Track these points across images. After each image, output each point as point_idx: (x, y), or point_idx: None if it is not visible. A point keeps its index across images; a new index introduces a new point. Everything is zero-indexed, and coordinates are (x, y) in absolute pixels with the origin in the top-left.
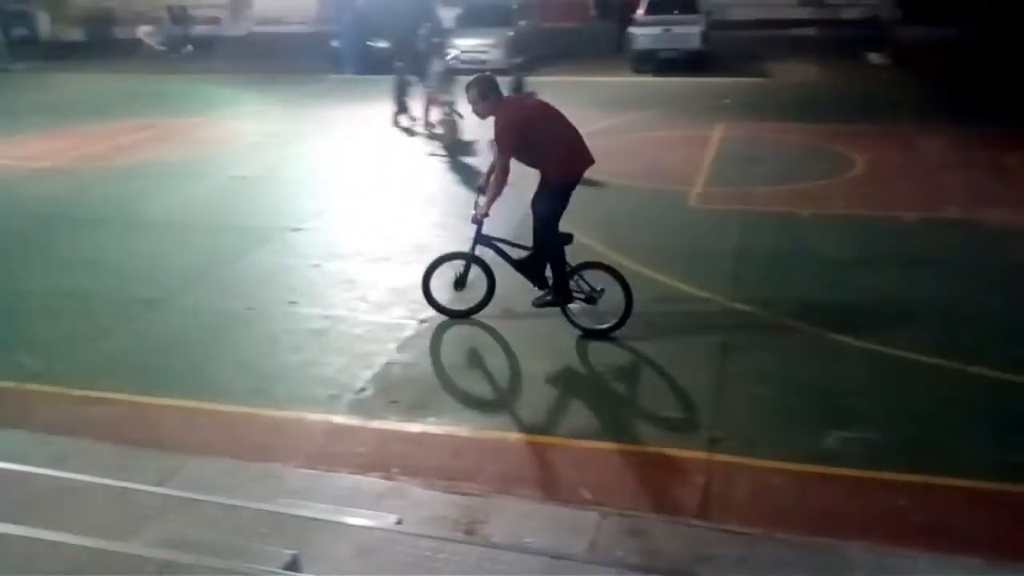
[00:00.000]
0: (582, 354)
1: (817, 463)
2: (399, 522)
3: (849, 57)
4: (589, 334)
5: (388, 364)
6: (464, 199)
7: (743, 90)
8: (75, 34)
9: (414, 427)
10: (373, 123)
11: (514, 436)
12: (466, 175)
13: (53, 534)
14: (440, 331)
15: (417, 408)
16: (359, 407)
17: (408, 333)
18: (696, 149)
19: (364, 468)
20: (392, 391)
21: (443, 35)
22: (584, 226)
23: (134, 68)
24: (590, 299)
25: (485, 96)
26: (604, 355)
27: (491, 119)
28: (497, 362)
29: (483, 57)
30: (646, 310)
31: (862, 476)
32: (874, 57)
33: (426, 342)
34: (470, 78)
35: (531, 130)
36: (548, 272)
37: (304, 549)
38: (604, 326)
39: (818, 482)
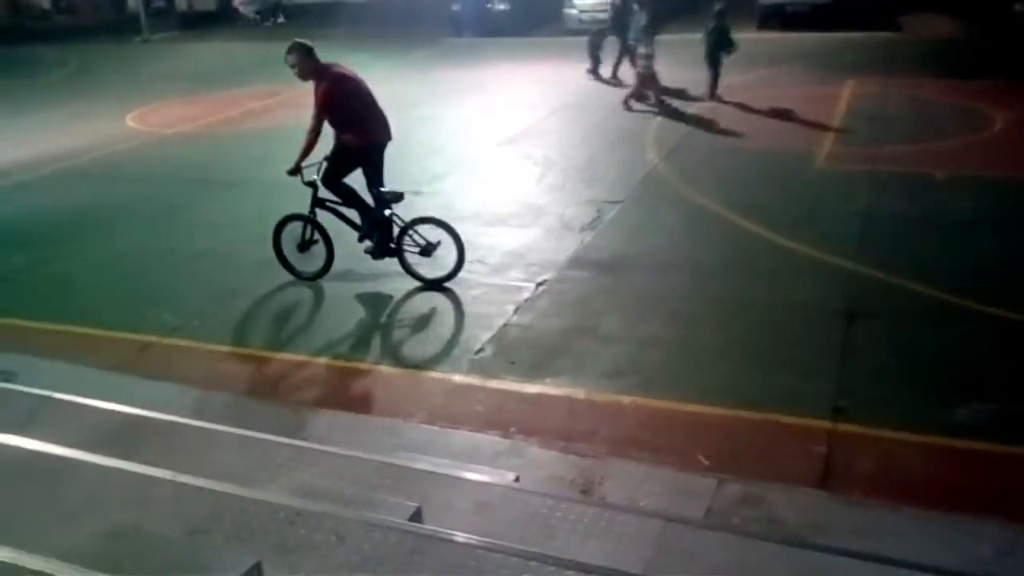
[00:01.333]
0: (693, 318)
1: (945, 435)
2: (516, 479)
3: (991, 7)
4: (427, 284)
5: (505, 326)
6: (583, 161)
7: (875, 44)
8: (208, 4)
9: (531, 388)
10: (495, 86)
11: (629, 399)
12: (589, 136)
13: (195, 479)
14: (557, 294)
15: (534, 369)
16: (477, 367)
17: (525, 295)
18: (825, 106)
19: (482, 426)
20: (509, 352)
21: None
22: (704, 187)
23: (260, 36)
24: (425, 252)
25: (305, 59)
26: (725, 320)
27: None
28: (613, 325)
29: (603, 16)
30: (768, 274)
31: (992, 450)
32: (1019, 7)
33: (543, 304)
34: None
35: (350, 95)
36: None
37: (425, 502)
38: (437, 277)
39: (946, 455)
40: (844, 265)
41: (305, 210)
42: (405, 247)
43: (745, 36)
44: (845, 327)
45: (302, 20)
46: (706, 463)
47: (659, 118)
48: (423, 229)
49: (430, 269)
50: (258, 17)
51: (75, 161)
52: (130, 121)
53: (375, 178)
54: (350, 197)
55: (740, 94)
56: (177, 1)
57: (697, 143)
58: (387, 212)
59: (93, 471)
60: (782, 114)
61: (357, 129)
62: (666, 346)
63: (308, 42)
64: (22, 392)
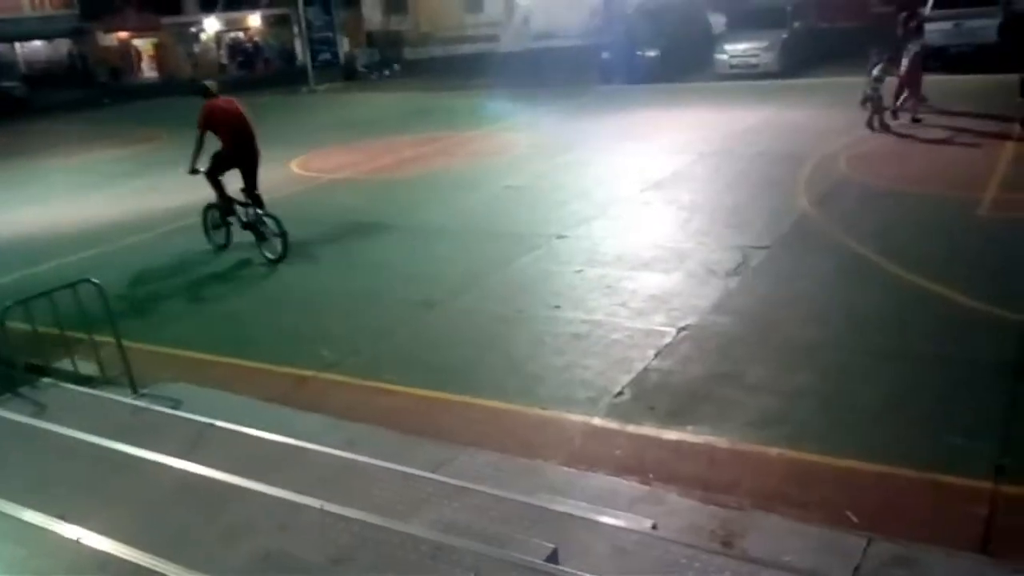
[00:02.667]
0: (844, 369)
1: None
2: (654, 527)
3: None
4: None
5: (646, 370)
6: (730, 206)
7: None
8: (372, 56)
9: (671, 434)
10: (642, 132)
11: (776, 450)
12: (736, 182)
13: (342, 508)
14: (700, 340)
15: (674, 415)
16: (617, 411)
17: (667, 340)
18: (989, 151)
19: (621, 471)
20: (649, 397)
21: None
22: (859, 233)
23: (418, 86)
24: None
25: (204, 93)
26: (880, 372)
27: None
28: (759, 374)
29: (754, 61)
30: (926, 325)
31: None
32: None
33: (685, 350)
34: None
35: (213, 118)
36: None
37: (562, 544)
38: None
39: None
40: (1009, 317)
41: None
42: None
43: None
44: (1011, 383)
45: (422, 71)
46: (855, 520)
47: (811, 163)
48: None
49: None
50: (366, 70)
51: None
52: (294, 167)
53: (246, 178)
54: (218, 187)
55: (894, 140)
56: (341, 53)
57: (850, 188)
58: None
59: (250, 496)
60: (942, 157)
61: (224, 140)
62: (816, 397)
63: (208, 83)
64: (188, 419)
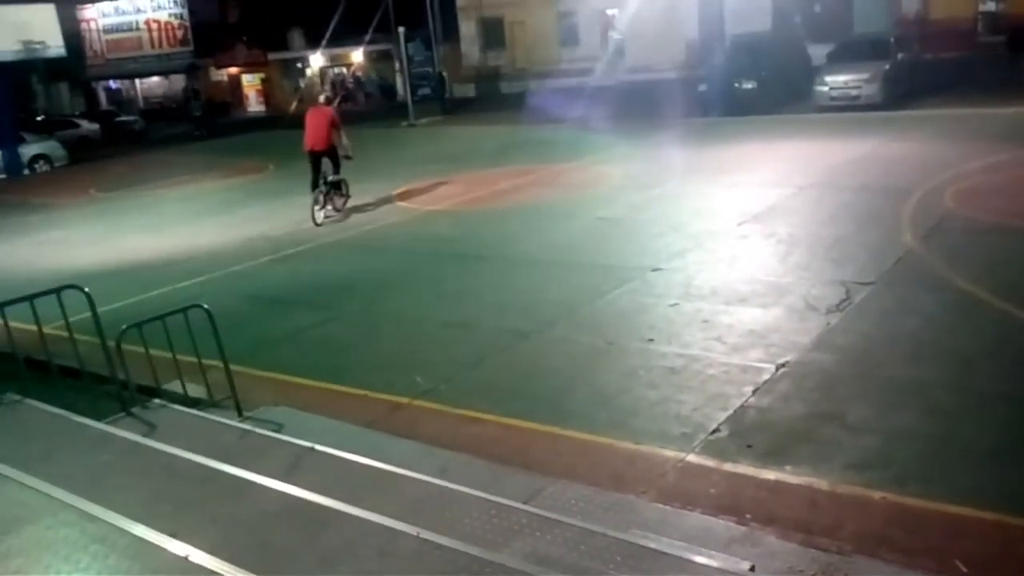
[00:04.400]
0: (953, 412)
1: None
2: (752, 569)
3: None
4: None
5: (743, 407)
6: (831, 240)
7: None
8: (468, 91)
9: (769, 474)
10: (740, 164)
11: (879, 494)
12: (837, 215)
13: (437, 536)
14: (799, 377)
15: (772, 454)
16: (712, 448)
17: (765, 377)
18: None
19: (716, 510)
20: (747, 435)
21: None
22: (968, 271)
23: (515, 119)
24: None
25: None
26: (991, 417)
27: None
28: (861, 414)
29: (855, 93)
30: None
31: None
32: None
33: (784, 387)
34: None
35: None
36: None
37: None
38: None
39: None
40: None
41: None
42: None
43: (1011, 111)
44: None
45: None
46: (964, 570)
47: (915, 197)
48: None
49: None
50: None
51: (344, 235)
52: (394, 198)
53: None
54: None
55: (1003, 173)
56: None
57: (958, 223)
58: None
59: (347, 520)
60: None
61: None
62: (922, 440)
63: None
64: (289, 442)
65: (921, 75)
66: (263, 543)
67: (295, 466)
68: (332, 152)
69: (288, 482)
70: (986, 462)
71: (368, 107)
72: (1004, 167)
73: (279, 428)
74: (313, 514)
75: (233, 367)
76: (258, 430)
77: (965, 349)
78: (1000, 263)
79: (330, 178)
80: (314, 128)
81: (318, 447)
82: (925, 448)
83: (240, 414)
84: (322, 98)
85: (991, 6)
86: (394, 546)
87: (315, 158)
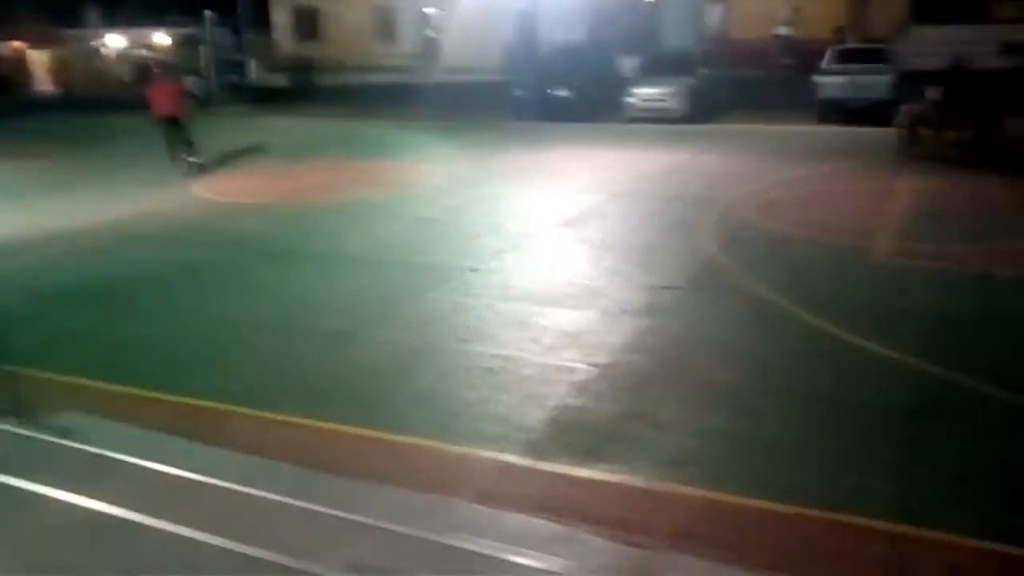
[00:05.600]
0: (755, 410)
1: (1016, 544)
2: (567, 567)
3: None
4: None
5: (559, 407)
6: (641, 246)
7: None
8: (280, 80)
9: (584, 472)
10: (554, 169)
11: (690, 490)
12: (647, 223)
13: (245, 547)
14: (612, 378)
15: (588, 453)
16: (529, 448)
17: (579, 377)
18: (885, 202)
19: (533, 509)
20: (563, 434)
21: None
22: (764, 277)
23: (329, 113)
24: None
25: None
26: (789, 414)
27: None
28: (671, 413)
29: (661, 106)
30: (832, 367)
31: None
32: None
33: (598, 387)
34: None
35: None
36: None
37: None
38: None
39: (1014, 564)
40: (908, 361)
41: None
42: None
43: (805, 129)
44: (912, 425)
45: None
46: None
47: (719, 207)
48: None
49: None
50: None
51: (142, 228)
52: (198, 190)
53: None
54: None
55: (799, 187)
56: (250, 76)
57: (756, 234)
58: None
59: (146, 532)
60: (838, 208)
61: None
62: (728, 438)
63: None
64: (77, 449)
65: (722, 91)
66: (48, 561)
67: (86, 475)
68: (183, 116)
69: (78, 493)
70: (788, 459)
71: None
72: (800, 181)
73: (66, 434)
74: (108, 527)
75: (14, 369)
76: (42, 436)
77: (761, 350)
78: (796, 271)
79: (190, 138)
80: (166, 96)
81: (110, 454)
82: (732, 446)
83: (20, 419)
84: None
85: (784, 30)
86: (199, 559)
87: (170, 123)
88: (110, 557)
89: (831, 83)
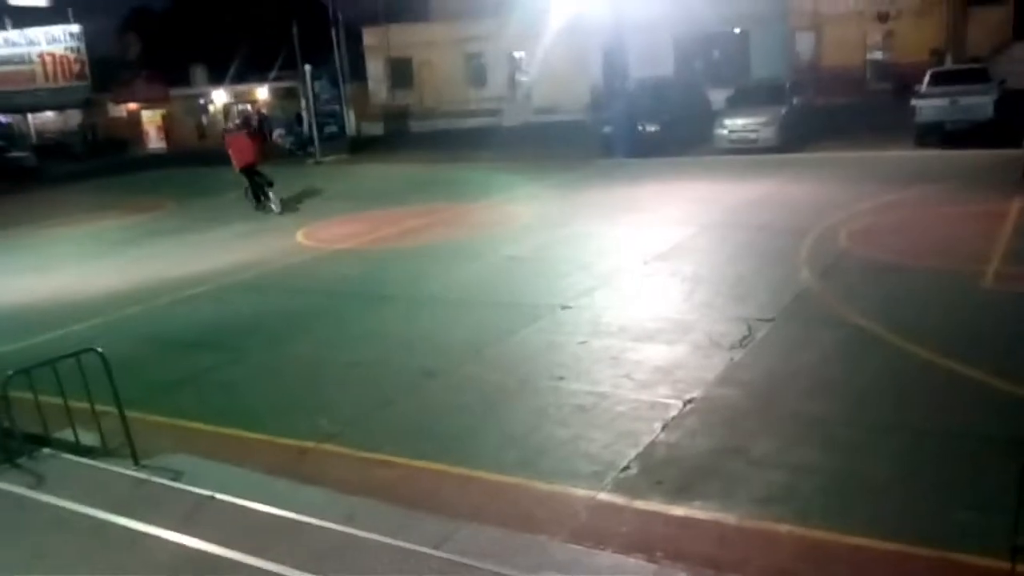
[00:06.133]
0: (852, 445)
1: None
2: None
3: None
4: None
5: (653, 443)
6: (733, 278)
7: None
8: (376, 129)
9: (678, 510)
10: (644, 204)
11: (785, 528)
12: (739, 254)
13: None
14: (705, 413)
15: (682, 490)
16: (623, 485)
17: (673, 413)
18: (990, 225)
19: (627, 548)
20: (657, 471)
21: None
22: (862, 307)
23: (423, 158)
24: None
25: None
26: (888, 448)
27: None
28: (765, 448)
29: (753, 136)
30: (934, 399)
31: None
32: None
33: (691, 423)
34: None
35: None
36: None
37: None
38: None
39: None
40: (1019, 392)
41: None
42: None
43: (902, 154)
44: (1018, 457)
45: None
46: None
47: (812, 236)
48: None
49: None
50: (293, 148)
51: (246, 274)
52: (299, 237)
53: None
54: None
55: (897, 213)
56: (348, 126)
57: (853, 262)
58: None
59: (248, 572)
60: (940, 233)
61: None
62: (824, 473)
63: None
64: (187, 491)
65: (815, 119)
66: None
67: (193, 516)
68: (258, 163)
69: (186, 533)
70: (884, 494)
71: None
72: (895, 207)
73: (177, 476)
74: (213, 566)
75: (129, 413)
76: (155, 478)
77: (860, 382)
78: (892, 300)
79: (270, 180)
80: (241, 148)
81: (218, 495)
82: (826, 481)
83: (136, 462)
84: (230, 125)
85: (879, 55)
86: None
87: (250, 172)
88: None
89: (931, 106)
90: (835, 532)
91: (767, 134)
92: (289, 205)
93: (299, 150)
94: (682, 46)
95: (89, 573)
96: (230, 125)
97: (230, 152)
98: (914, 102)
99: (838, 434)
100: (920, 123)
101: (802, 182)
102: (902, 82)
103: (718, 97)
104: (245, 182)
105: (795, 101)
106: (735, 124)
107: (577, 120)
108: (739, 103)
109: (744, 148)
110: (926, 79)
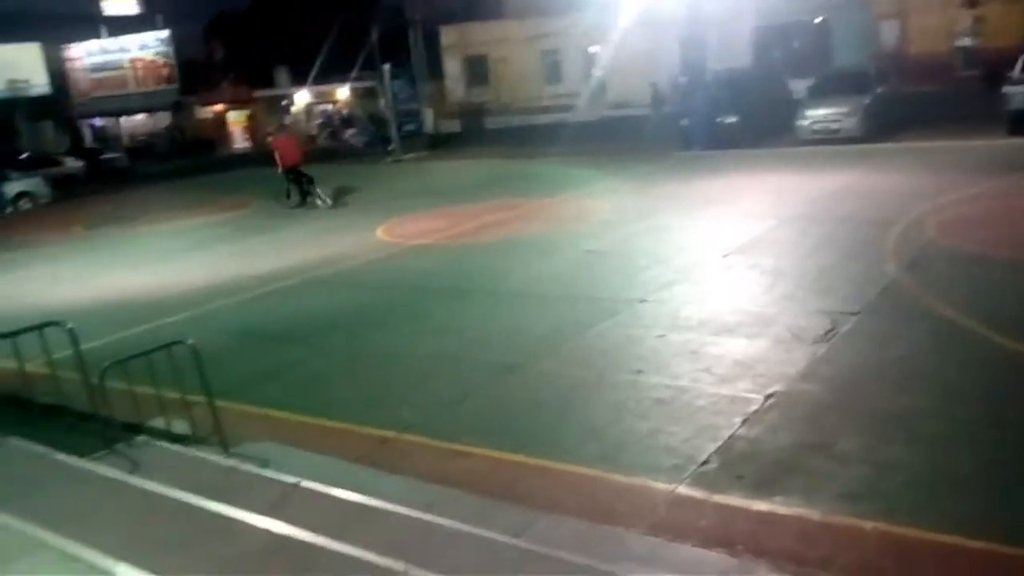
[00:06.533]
0: (941, 441)
1: None
2: None
3: None
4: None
5: (733, 438)
6: (815, 271)
7: None
8: (453, 126)
9: (760, 505)
10: (723, 197)
11: (871, 525)
12: (821, 246)
13: (425, 572)
14: (787, 408)
15: (763, 485)
16: (703, 479)
17: (754, 408)
18: None
19: (707, 542)
20: (737, 466)
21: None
22: (952, 300)
23: (499, 154)
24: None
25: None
26: (979, 445)
27: None
28: (850, 444)
29: (835, 126)
30: None
31: None
32: None
33: (773, 418)
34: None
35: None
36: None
37: None
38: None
39: None
40: None
41: None
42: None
43: (992, 143)
44: None
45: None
46: None
47: (898, 228)
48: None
49: None
50: (366, 147)
51: (328, 270)
52: (379, 233)
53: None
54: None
55: (986, 203)
56: (426, 124)
57: (940, 254)
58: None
59: (333, 557)
60: None
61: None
62: (912, 470)
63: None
64: (275, 478)
65: (900, 108)
66: None
67: (281, 502)
68: (302, 163)
69: (274, 518)
70: (973, 491)
71: (353, 143)
72: (983, 198)
73: (265, 464)
74: (299, 551)
75: (218, 403)
76: (243, 466)
77: (950, 377)
78: (982, 291)
79: (311, 177)
80: (288, 149)
81: (304, 482)
82: (913, 477)
83: (225, 450)
84: (272, 128)
85: (967, 41)
86: None
87: (296, 172)
88: None
89: (1023, 93)
90: (921, 529)
91: (850, 124)
92: (366, 202)
93: (373, 148)
94: (760, 37)
95: (186, 556)
96: (272, 128)
97: (276, 154)
98: (1005, 89)
99: (925, 429)
100: (1011, 111)
101: (886, 172)
102: (992, 69)
103: (799, 87)
104: (287, 184)
105: (879, 90)
106: (817, 114)
107: (654, 114)
108: (821, 93)
109: (826, 139)
110: (1018, 65)
